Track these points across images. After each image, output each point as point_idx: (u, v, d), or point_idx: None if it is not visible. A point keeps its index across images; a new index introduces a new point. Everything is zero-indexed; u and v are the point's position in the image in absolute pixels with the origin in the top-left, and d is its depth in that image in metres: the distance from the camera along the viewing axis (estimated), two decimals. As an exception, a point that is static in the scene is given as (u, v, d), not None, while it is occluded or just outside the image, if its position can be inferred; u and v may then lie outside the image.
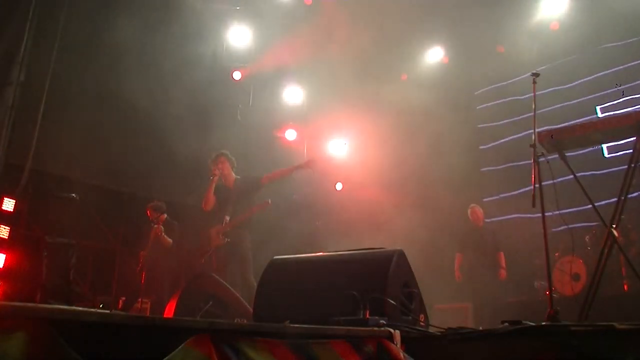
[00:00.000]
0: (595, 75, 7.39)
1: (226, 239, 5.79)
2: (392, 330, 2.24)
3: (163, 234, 6.62)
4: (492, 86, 8.72)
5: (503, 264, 6.78)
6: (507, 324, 2.29)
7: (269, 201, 5.91)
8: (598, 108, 7.32)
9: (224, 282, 4.86)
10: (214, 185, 6.02)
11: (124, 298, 6.73)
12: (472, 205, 7.22)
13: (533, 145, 3.52)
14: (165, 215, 6.81)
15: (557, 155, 3.70)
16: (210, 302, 4.50)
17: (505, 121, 8.37)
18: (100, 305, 6.38)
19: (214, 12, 8.30)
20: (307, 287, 3.10)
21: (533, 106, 3.73)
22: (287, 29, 8.04)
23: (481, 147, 8.74)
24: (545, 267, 3.35)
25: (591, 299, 3.03)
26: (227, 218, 5.87)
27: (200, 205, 6.22)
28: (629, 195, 3.18)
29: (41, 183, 6.14)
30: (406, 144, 7.77)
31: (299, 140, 9.25)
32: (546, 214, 3.45)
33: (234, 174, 6.19)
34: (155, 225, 6.67)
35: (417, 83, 8.57)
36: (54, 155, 6.37)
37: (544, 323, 2.85)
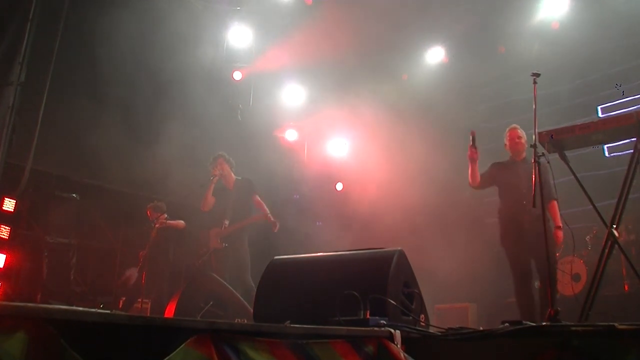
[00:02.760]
0: (595, 75, 7.39)
1: (224, 244, 5.84)
2: (392, 330, 2.24)
3: (169, 221, 6.70)
4: (493, 86, 8.71)
5: (558, 219, 4.76)
6: (507, 324, 2.29)
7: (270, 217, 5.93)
8: (598, 108, 7.32)
9: (224, 282, 4.87)
10: (212, 187, 6.05)
11: (124, 298, 6.75)
12: (513, 126, 5.25)
13: (533, 146, 3.52)
14: (166, 215, 6.83)
15: (557, 155, 3.70)
16: (211, 302, 4.51)
17: (505, 121, 8.36)
18: (101, 305, 6.39)
19: (214, 12, 8.30)
20: (307, 287, 3.09)
21: (534, 106, 3.73)
22: (288, 29, 8.04)
23: (482, 147, 8.72)
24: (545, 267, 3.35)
25: (591, 299, 3.03)
26: (227, 222, 5.91)
27: (199, 206, 6.24)
28: (630, 196, 3.17)
29: (41, 183, 6.15)
30: (406, 144, 7.76)
31: (299, 140, 9.27)
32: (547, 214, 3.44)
33: (234, 175, 6.21)
34: (157, 225, 6.70)
35: (418, 83, 8.57)
36: (54, 155, 6.37)
37: (544, 323, 2.85)
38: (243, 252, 5.82)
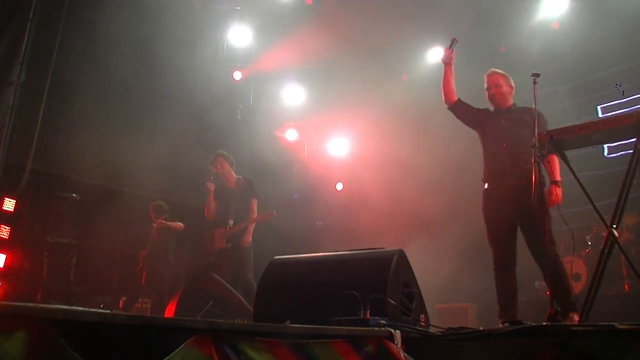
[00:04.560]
0: (595, 75, 7.39)
1: (229, 244, 5.85)
2: (392, 330, 2.24)
3: (168, 222, 6.72)
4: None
5: (556, 173, 3.96)
6: (507, 324, 2.29)
7: (274, 212, 5.94)
8: (598, 108, 7.32)
9: (224, 282, 4.87)
10: (212, 194, 6.06)
11: (124, 298, 6.75)
12: (489, 71, 4.49)
13: (533, 146, 3.51)
14: (166, 216, 6.85)
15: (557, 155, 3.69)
16: (211, 302, 4.50)
17: (505, 121, 8.36)
18: (101, 305, 6.39)
19: (214, 12, 8.30)
20: (307, 287, 3.10)
21: (534, 106, 3.72)
22: (287, 29, 8.04)
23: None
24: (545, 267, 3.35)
25: (591, 299, 3.03)
26: (231, 222, 5.92)
27: (201, 205, 6.24)
28: (630, 196, 3.17)
29: (41, 183, 6.15)
30: (406, 144, 7.77)
31: (299, 140, 9.27)
32: (546, 213, 3.43)
33: (234, 174, 6.22)
34: (155, 225, 6.71)
35: (418, 83, 8.56)
36: (54, 155, 6.37)
37: (544, 323, 2.85)
38: (246, 250, 5.84)
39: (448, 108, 4.60)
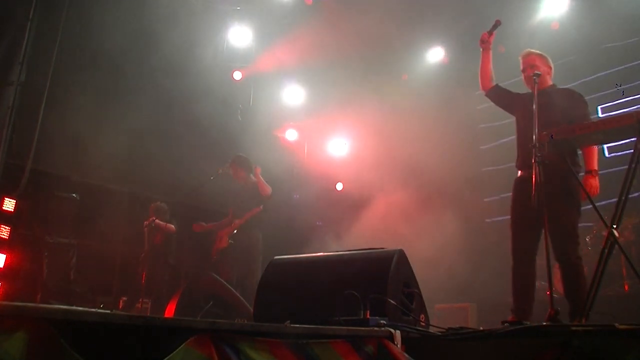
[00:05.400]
0: (595, 75, 7.38)
1: (230, 241, 5.89)
2: (392, 330, 2.24)
3: (157, 222, 6.69)
4: (493, 86, 8.71)
5: (591, 161, 3.73)
6: (507, 324, 2.29)
7: (260, 207, 6.04)
8: (598, 108, 7.32)
9: (224, 282, 4.87)
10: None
11: (124, 298, 6.75)
12: (524, 52, 4.31)
13: (533, 146, 3.51)
14: (167, 217, 6.84)
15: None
16: (211, 302, 4.51)
17: (505, 121, 8.35)
18: (101, 305, 6.39)
19: (214, 12, 8.30)
20: (307, 287, 3.10)
21: (534, 106, 3.72)
22: (287, 29, 8.04)
23: (481, 147, 8.73)
24: (545, 267, 3.35)
25: (591, 299, 3.03)
26: (237, 222, 5.99)
27: (201, 205, 6.28)
28: (630, 195, 3.17)
29: (41, 183, 6.14)
30: (406, 144, 7.76)
31: (299, 140, 9.27)
32: (547, 214, 3.42)
33: (252, 176, 6.33)
34: (154, 224, 6.71)
35: (418, 83, 8.56)
36: (54, 155, 6.37)
37: (544, 323, 2.85)
38: (252, 249, 5.88)
39: (485, 95, 4.43)
